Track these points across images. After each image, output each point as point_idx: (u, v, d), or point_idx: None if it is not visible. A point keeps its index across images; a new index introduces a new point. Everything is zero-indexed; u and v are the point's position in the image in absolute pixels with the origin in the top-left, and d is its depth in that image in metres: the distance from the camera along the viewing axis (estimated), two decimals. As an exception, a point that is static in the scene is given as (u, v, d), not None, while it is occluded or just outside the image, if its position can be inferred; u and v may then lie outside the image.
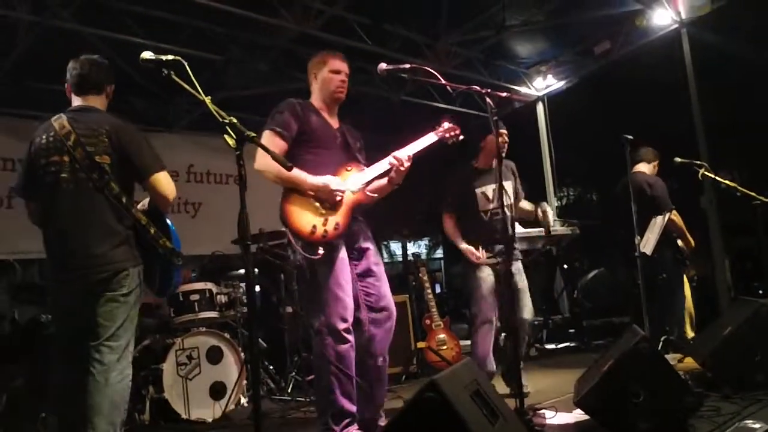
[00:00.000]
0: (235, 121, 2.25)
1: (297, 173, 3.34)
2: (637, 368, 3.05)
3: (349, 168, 3.57)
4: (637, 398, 3.00)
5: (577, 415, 3.56)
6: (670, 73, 7.25)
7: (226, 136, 2.23)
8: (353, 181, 3.51)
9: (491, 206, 4.49)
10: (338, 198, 3.42)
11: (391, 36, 7.05)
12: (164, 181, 3.11)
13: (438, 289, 18.35)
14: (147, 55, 2.46)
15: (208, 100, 2.33)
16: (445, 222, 4.65)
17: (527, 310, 4.54)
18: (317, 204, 3.39)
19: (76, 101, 3.18)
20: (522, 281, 4.55)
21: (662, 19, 7.24)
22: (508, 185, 4.59)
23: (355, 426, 3.45)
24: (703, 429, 3.03)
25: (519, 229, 7.19)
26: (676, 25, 7.19)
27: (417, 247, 23.11)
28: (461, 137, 3.75)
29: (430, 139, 3.71)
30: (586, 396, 3.13)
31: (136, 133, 3.13)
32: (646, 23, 7.32)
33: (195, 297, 5.07)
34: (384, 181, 3.61)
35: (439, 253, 24.10)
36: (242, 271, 6.04)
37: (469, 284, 4.50)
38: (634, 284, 7.01)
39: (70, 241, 2.98)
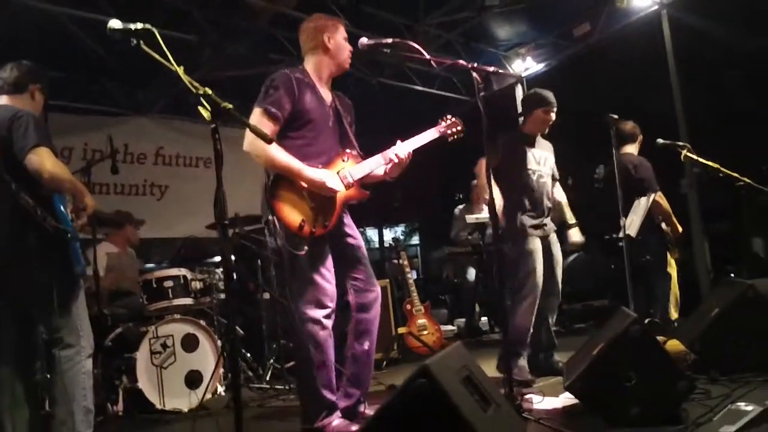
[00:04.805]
0: (209, 91, 2.11)
1: (292, 162, 3.22)
2: (628, 352, 2.96)
3: (345, 158, 3.44)
4: (629, 382, 2.92)
5: (565, 399, 3.51)
6: (651, 55, 7.20)
7: (200, 108, 2.09)
8: (348, 174, 3.39)
9: (539, 168, 4.49)
10: (332, 195, 3.31)
11: (370, 17, 6.90)
12: (36, 158, 3.03)
13: (414, 276, 18.29)
14: (114, 24, 2.29)
15: (180, 70, 2.19)
16: (482, 166, 4.56)
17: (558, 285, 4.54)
18: (308, 198, 3.26)
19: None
20: (558, 253, 4.54)
21: (643, 0, 7.18)
22: (551, 159, 4.64)
23: (337, 414, 3.37)
24: (695, 413, 2.95)
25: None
26: (656, 7, 7.15)
27: (393, 234, 23.05)
28: (462, 134, 3.67)
29: (431, 135, 3.62)
30: (577, 380, 3.04)
31: (21, 117, 3.11)
32: (626, 4, 7.25)
33: (169, 283, 4.93)
34: (379, 172, 3.52)
35: (415, 239, 24.04)
36: (217, 258, 5.91)
37: (516, 254, 4.35)
38: (615, 268, 7.00)
39: None
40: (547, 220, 4.51)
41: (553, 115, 4.51)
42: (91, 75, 7.10)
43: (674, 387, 2.92)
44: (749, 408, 2.97)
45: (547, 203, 4.52)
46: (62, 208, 3.17)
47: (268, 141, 2.53)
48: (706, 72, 7.43)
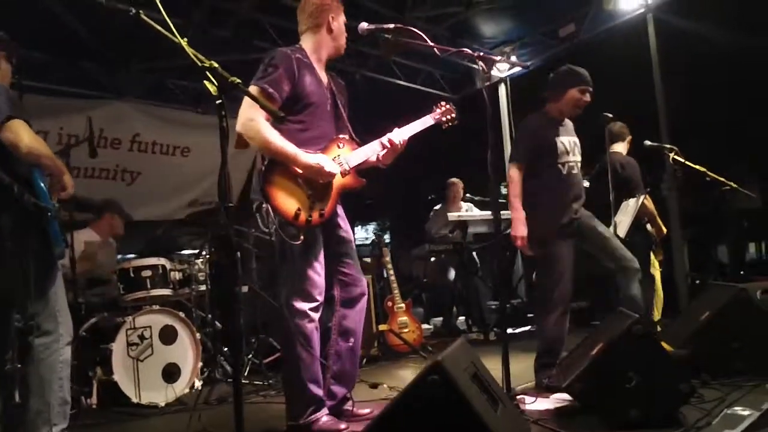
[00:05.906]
0: (216, 65, 1.98)
1: (287, 146, 3.09)
2: (629, 352, 2.90)
3: (340, 144, 3.34)
4: (629, 383, 2.86)
5: (556, 401, 3.47)
6: (636, 58, 7.19)
7: (206, 83, 1.96)
8: (344, 161, 3.29)
9: (570, 159, 4.04)
10: (329, 181, 3.21)
11: (356, 7, 6.77)
12: (11, 132, 2.85)
13: (385, 275, 18.18)
14: None
15: (184, 42, 2.06)
16: (511, 173, 4.00)
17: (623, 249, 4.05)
18: (305, 185, 3.16)
19: None
20: (599, 225, 4.07)
21: (629, 3, 7.17)
22: (578, 142, 4.21)
23: (324, 411, 3.27)
24: (692, 416, 2.91)
25: (477, 212, 7.14)
26: (642, 10, 7.14)
27: (365, 232, 22.91)
28: (456, 121, 3.61)
29: (426, 122, 3.56)
30: (576, 381, 2.97)
31: None
32: (612, 6, 7.22)
33: (147, 273, 4.75)
34: (372, 159, 3.44)
35: (386, 238, 23.93)
36: (185, 252, 5.75)
37: (544, 259, 3.99)
38: (588, 270, 6.96)
39: None
40: (577, 205, 4.06)
41: (589, 97, 4.06)
42: (71, 56, 6.85)
43: (675, 389, 2.87)
44: (746, 412, 2.94)
45: (580, 197, 4.10)
46: (42, 184, 2.99)
47: (279, 118, 2.40)
48: (691, 75, 7.45)
